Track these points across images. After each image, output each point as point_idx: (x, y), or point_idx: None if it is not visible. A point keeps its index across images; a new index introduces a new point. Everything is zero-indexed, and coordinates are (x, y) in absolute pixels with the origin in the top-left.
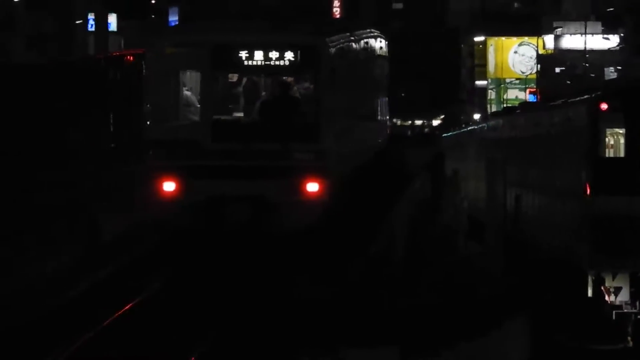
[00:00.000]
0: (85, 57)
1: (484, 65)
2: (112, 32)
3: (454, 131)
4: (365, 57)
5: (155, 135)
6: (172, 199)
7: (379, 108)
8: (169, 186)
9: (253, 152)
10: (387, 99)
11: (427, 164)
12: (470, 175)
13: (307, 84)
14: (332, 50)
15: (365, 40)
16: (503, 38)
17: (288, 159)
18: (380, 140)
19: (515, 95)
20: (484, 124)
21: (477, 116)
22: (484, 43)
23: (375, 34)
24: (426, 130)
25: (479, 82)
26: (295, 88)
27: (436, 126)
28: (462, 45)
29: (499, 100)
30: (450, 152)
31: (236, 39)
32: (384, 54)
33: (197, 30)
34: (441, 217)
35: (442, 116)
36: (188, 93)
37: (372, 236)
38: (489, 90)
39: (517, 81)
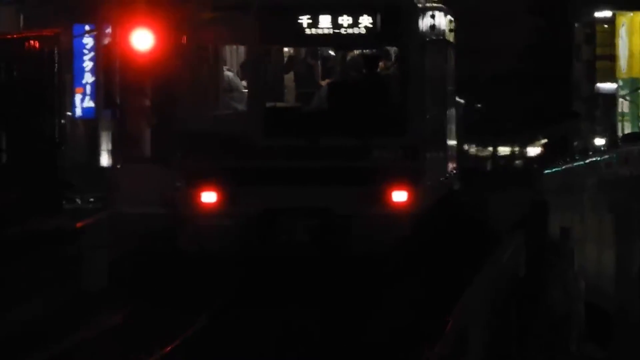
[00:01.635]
0: None
1: (612, 57)
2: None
3: (562, 165)
4: (441, 40)
5: (189, 128)
6: (213, 212)
7: (451, 123)
8: (208, 196)
9: (319, 150)
10: (454, 110)
11: (520, 219)
12: (589, 238)
13: (387, 61)
14: (422, 15)
15: (440, 14)
16: None
17: (366, 157)
18: (451, 174)
19: None
20: (611, 154)
21: (599, 141)
22: (612, 22)
23: (442, 7)
24: (517, 162)
25: (602, 85)
26: (372, 65)
27: (534, 157)
28: (576, 26)
29: (636, 114)
30: (557, 199)
31: None
32: (451, 41)
33: None
34: (543, 305)
35: (544, 141)
36: (230, 74)
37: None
38: (620, 99)
39: None
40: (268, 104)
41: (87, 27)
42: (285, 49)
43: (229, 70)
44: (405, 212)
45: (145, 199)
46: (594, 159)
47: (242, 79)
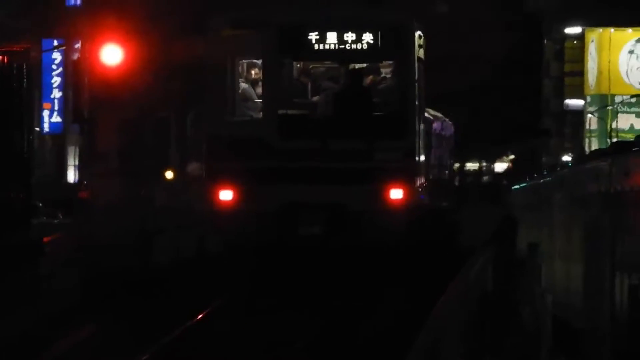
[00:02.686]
0: None
1: (580, 73)
2: None
3: (530, 181)
4: (422, 57)
5: (214, 132)
6: (235, 208)
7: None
8: (228, 194)
9: (328, 152)
10: (424, 126)
11: (489, 234)
12: (557, 253)
13: (385, 73)
14: (417, 33)
15: (420, 32)
16: (611, 30)
17: (370, 158)
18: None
19: (629, 123)
20: (579, 170)
21: (567, 158)
22: (581, 38)
23: (420, 25)
24: (485, 178)
25: (571, 102)
26: (373, 77)
27: (502, 173)
28: (546, 41)
29: (604, 131)
30: (525, 214)
31: (308, 18)
32: (422, 56)
33: (260, 10)
34: (512, 320)
35: (512, 157)
36: (245, 85)
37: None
38: (588, 115)
39: (633, 100)
40: (281, 112)
41: (55, 42)
42: (296, 62)
43: (244, 82)
44: (403, 207)
45: (118, 212)
46: (563, 175)
47: (256, 90)
